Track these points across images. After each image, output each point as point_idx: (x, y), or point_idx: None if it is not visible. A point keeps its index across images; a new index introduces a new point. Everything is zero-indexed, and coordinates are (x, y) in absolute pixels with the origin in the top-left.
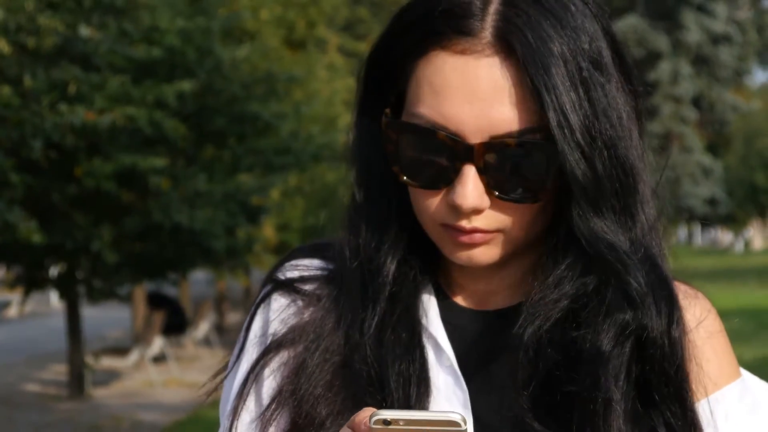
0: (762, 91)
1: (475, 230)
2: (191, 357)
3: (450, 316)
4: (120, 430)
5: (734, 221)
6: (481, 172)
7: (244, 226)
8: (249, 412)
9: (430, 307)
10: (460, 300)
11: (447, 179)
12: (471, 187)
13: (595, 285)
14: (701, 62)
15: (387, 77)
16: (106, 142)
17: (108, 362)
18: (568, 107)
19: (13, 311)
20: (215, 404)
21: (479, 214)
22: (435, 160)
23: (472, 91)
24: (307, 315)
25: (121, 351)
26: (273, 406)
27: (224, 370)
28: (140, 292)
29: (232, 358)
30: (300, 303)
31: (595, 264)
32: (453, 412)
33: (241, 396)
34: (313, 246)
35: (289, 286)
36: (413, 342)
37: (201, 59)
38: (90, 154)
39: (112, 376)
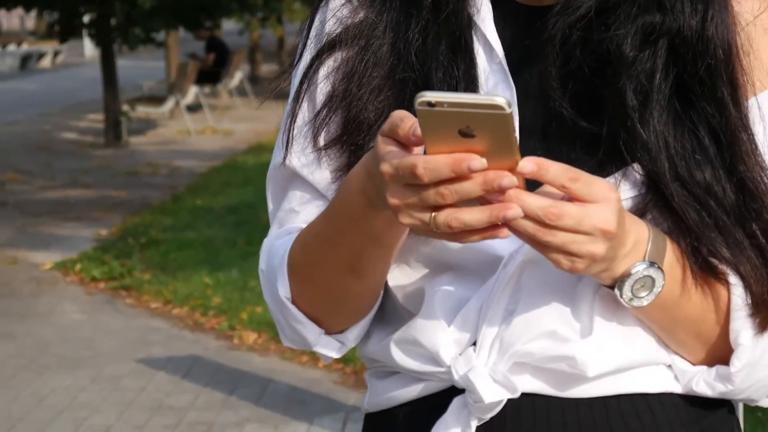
0: None
1: None
2: (225, 106)
3: (503, 12)
4: (157, 176)
5: None
6: None
7: None
8: (304, 114)
9: (483, 4)
10: None
11: None
12: None
13: None
14: None
15: None
16: None
17: (143, 111)
18: None
19: (46, 62)
20: (250, 150)
21: None
22: None
23: None
24: (361, 14)
25: (156, 100)
26: (325, 110)
27: (290, 67)
28: (174, 41)
29: (296, 59)
30: (355, 2)
31: None
32: (498, 95)
33: (298, 99)
34: None
35: None
36: (459, 45)
37: None
38: None
39: (147, 124)
